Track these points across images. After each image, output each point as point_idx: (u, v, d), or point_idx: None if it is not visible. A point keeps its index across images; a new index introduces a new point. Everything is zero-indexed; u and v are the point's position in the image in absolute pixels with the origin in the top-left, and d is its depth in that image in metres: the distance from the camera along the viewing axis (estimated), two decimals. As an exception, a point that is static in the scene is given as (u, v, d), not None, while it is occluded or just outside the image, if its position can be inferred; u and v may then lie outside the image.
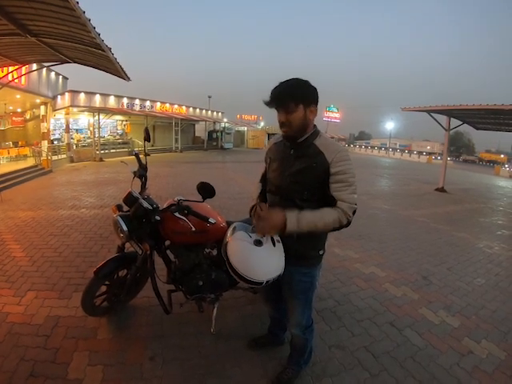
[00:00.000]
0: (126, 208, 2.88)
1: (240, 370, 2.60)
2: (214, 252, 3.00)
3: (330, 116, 49.99)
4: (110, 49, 7.31)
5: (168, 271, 2.91)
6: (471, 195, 13.47)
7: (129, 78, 9.97)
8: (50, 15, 5.99)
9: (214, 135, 34.57)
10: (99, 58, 8.25)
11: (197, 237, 2.70)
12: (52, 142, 19.16)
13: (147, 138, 2.79)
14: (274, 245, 1.96)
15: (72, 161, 18.92)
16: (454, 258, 5.52)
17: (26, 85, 15.12)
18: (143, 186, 2.91)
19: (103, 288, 3.07)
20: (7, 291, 3.71)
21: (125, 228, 2.64)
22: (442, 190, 13.31)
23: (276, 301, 2.54)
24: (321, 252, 2.10)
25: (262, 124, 43.00)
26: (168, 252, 2.94)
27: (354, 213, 1.84)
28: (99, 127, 21.36)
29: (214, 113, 35.98)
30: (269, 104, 1.88)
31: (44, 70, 17.10)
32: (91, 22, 5.87)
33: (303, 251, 2.04)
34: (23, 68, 13.85)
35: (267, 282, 1.91)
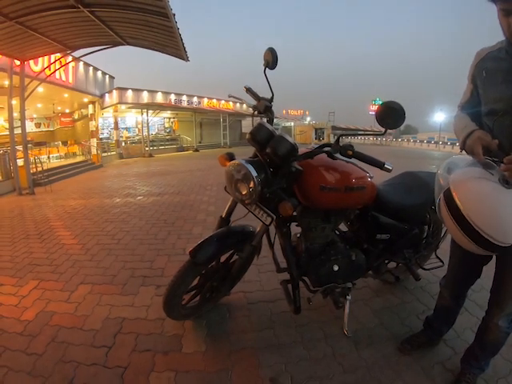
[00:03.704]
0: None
1: (403, 385, 1.82)
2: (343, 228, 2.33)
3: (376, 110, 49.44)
4: (174, 15, 6.38)
5: (288, 254, 2.04)
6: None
7: (187, 58, 9.05)
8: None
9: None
10: (157, 31, 7.40)
11: (352, 196, 1.92)
12: (101, 139, 19.18)
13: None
14: None
15: (121, 157, 19.25)
16: None
17: (73, 83, 15.06)
18: (271, 124, 1.96)
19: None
20: (53, 284, 2.90)
21: (255, 175, 1.70)
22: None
23: (466, 282, 1.95)
24: None
25: (309, 119, 42.43)
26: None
27: None
28: (148, 123, 21.45)
29: (261, 108, 35.14)
30: None
31: (91, 68, 17.17)
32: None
33: None
34: (70, 64, 13.78)
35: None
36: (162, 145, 23.83)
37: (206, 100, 26.01)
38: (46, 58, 10.82)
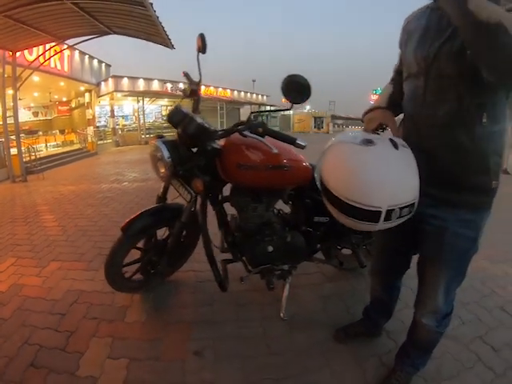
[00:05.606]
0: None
1: (329, 372, 1.79)
2: (287, 209, 2.33)
3: (376, 100, 48.89)
4: (151, 4, 6.61)
5: (224, 233, 2.14)
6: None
7: (173, 46, 9.17)
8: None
9: (260, 119, 33.27)
10: (140, 20, 7.60)
11: (274, 175, 1.88)
12: (97, 128, 19.38)
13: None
14: (397, 148, 1.23)
15: (118, 145, 19.46)
16: None
17: (68, 71, 15.28)
18: (196, 106, 2.04)
19: (135, 254, 2.33)
20: (28, 261, 3.16)
21: (166, 154, 1.83)
22: (505, 172, 11.00)
23: (393, 272, 1.80)
24: (494, 183, 1.26)
25: (308, 107, 42.13)
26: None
27: None
28: (144, 111, 21.64)
29: (259, 96, 35.08)
30: None
31: (86, 57, 17.35)
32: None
33: (463, 177, 1.26)
34: (65, 53, 13.94)
35: (388, 213, 1.20)
36: (159, 132, 23.84)
37: (202, 88, 25.80)
38: (41, 47, 10.96)
